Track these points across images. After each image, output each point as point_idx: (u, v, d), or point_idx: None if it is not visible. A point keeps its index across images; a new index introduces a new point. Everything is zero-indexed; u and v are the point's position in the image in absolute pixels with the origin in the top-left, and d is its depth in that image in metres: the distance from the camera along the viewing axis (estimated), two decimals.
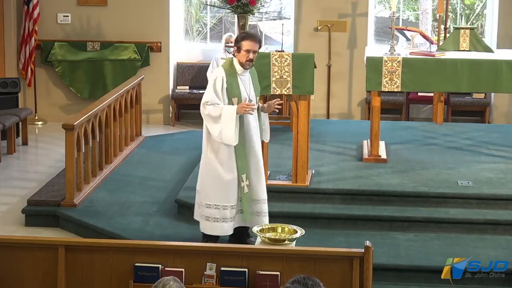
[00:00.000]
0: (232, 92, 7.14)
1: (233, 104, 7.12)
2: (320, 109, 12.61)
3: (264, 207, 7.38)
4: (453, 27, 9.99)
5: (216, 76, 7.17)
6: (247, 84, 7.26)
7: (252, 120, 7.27)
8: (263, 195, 7.39)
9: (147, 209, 8.46)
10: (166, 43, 12.62)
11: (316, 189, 8.39)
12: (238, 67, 7.19)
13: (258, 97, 7.38)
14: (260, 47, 7.24)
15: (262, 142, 7.58)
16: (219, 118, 7.09)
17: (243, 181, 7.26)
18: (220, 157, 7.21)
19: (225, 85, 7.13)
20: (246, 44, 7.12)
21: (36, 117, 12.68)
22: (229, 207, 7.25)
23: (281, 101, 7.39)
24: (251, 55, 7.12)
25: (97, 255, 5.85)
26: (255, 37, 7.21)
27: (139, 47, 12.56)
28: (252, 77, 7.33)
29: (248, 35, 7.25)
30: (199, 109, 7.29)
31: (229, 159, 7.21)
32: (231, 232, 7.33)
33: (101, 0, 12.59)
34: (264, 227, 6.63)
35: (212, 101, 7.12)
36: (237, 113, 7.07)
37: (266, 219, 7.36)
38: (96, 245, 5.93)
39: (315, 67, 8.35)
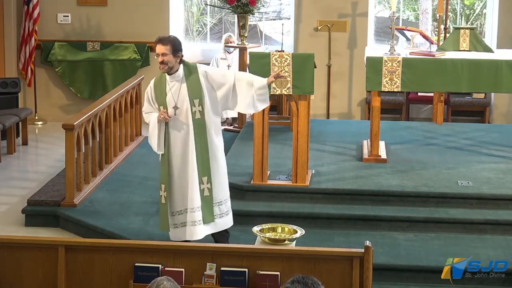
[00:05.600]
0: (158, 101, 7.16)
1: None
2: (320, 109, 12.62)
3: (197, 216, 7.15)
4: (453, 27, 9.99)
5: (148, 86, 7.28)
6: (175, 90, 7.13)
7: (183, 126, 7.11)
8: (194, 203, 7.15)
9: (147, 209, 8.46)
10: None
11: (316, 189, 8.38)
12: (166, 74, 7.18)
13: (198, 101, 7.07)
14: (173, 48, 7.04)
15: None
16: (149, 126, 7.23)
17: (161, 190, 7.24)
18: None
19: (152, 95, 7.19)
20: (156, 49, 7.12)
21: (36, 117, 12.69)
22: None
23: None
24: (160, 58, 7.08)
25: (97, 255, 5.85)
26: (161, 40, 7.11)
27: (139, 47, 12.56)
28: (188, 82, 7.11)
29: (157, 39, 7.17)
30: None
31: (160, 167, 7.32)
32: (185, 239, 7.19)
33: (101, 0, 12.59)
34: (264, 227, 6.63)
35: (146, 110, 7.28)
36: (158, 121, 7.10)
37: (199, 228, 7.15)
38: (96, 245, 5.93)
39: (315, 67, 8.35)
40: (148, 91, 7.23)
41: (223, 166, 7.33)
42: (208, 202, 7.19)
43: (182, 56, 7.16)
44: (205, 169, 7.16)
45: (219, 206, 7.26)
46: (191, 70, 7.16)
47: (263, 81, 7.19)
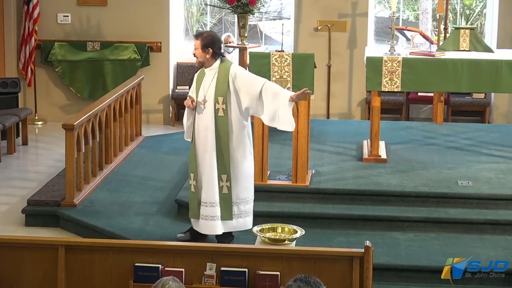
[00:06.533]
0: (195, 90, 7.33)
1: None
2: (320, 109, 12.62)
3: (213, 211, 7.22)
4: (453, 27, 9.99)
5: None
6: (207, 83, 7.25)
7: (205, 120, 7.21)
8: (210, 198, 7.22)
9: (147, 209, 8.47)
10: (166, 43, 12.62)
11: (316, 189, 8.39)
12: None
13: (222, 99, 7.15)
14: (203, 43, 7.18)
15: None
16: None
17: (190, 180, 7.34)
18: None
19: (194, 83, 7.38)
20: None
21: (36, 117, 12.69)
22: None
23: None
24: (193, 51, 7.30)
25: (97, 255, 5.85)
26: (196, 34, 7.38)
27: (139, 47, 12.56)
28: (218, 79, 7.22)
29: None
30: None
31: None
32: (200, 231, 7.32)
33: (101, 0, 12.59)
34: (264, 227, 6.63)
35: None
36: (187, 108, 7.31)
37: (216, 223, 7.22)
38: (96, 245, 5.93)
39: (315, 67, 8.36)
40: (193, 79, 7.43)
41: (247, 167, 7.33)
42: (226, 200, 7.26)
43: (215, 52, 7.22)
44: (224, 167, 7.24)
45: (238, 206, 7.31)
46: (224, 68, 7.25)
47: (287, 97, 7.13)
